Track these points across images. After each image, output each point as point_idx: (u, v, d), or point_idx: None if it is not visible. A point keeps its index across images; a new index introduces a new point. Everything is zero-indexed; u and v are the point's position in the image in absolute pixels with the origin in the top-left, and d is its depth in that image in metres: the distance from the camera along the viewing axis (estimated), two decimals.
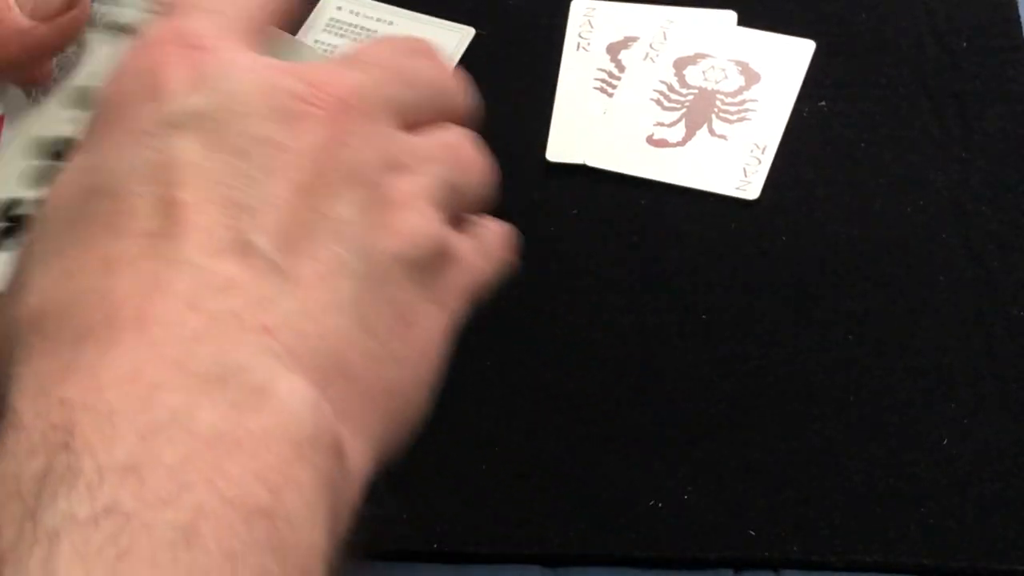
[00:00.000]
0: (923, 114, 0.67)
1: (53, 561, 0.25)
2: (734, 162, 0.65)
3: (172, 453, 0.27)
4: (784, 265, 0.62)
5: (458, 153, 0.37)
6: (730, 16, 0.71)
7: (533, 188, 0.65)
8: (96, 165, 0.31)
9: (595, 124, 0.67)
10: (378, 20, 0.70)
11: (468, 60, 0.69)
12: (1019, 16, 0.70)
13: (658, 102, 0.67)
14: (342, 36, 0.70)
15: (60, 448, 0.27)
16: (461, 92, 0.39)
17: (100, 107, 0.33)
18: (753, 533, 0.54)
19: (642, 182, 0.65)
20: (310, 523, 0.28)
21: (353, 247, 0.32)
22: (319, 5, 0.71)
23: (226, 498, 0.27)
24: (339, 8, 0.71)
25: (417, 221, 0.33)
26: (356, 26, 0.70)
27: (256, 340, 0.29)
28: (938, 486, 0.55)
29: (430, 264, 0.34)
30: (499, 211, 0.64)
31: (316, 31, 0.70)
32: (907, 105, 0.67)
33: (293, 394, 0.29)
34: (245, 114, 0.32)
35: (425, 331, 0.34)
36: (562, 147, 0.66)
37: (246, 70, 0.32)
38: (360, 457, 0.31)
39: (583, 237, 0.63)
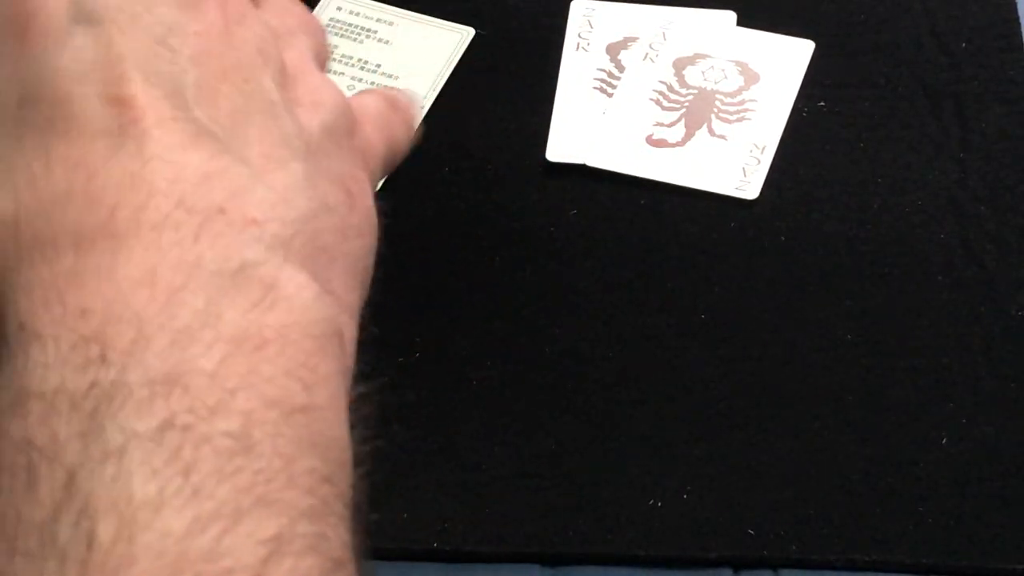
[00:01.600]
0: (922, 114, 0.67)
1: (125, 479, 0.26)
2: (733, 162, 0.65)
3: (208, 359, 0.27)
4: (783, 265, 0.62)
5: (300, 16, 0.37)
6: (729, 16, 0.71)
7: (533, 188, 0.65)
8: (17, 73, 0.30)
9: (595, 124, 0.67)
10: (378, 20, 0.70)
11: (468, 60, 0.69)
12: (1019, 16, 0.70)
13: (657, 102, 0.68)
14: (342, 36, 0.70)
15: (98, 361, 0.27)
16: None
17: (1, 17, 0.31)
18: (752, 532, 0.54)
19: (642, 182, 0.65)
20: (338, 416, 0.29)
21: (288, 124, 0.32)
22: (319, 5, 0.71)
23: (268, 400, 0.27)
24: (339, 8, 0.71)
25: (326, 90, 0.34)
26: (356, 26, 0.70)
27: (249, 233, 0.29)
28: (937, 486, 0.55)
29: (346, 129, 0.35)
30: (499, 211, 0.64)
31: None
32: (906, 105, 0.67)
33: (301, 289, 0.29)
34: (151, 3, 0.31)
35: (363, 196, 0.35)
36: (562, 147, 0.66)
37: None
38: (351, 334, 0.32)
39: (583, 237, 0.63)
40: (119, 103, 0.30)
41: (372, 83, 0.68)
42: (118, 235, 0.28)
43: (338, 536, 0.28)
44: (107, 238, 0.28)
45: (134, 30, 0.31)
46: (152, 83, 0.30)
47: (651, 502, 0.55)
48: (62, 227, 0.29)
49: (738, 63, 0.69)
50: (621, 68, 0.69)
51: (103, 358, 0.27)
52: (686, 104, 0.67)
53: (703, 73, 0.69)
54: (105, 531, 0.25)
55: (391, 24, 0.70)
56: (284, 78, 0.33)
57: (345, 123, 0.35)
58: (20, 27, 0.31)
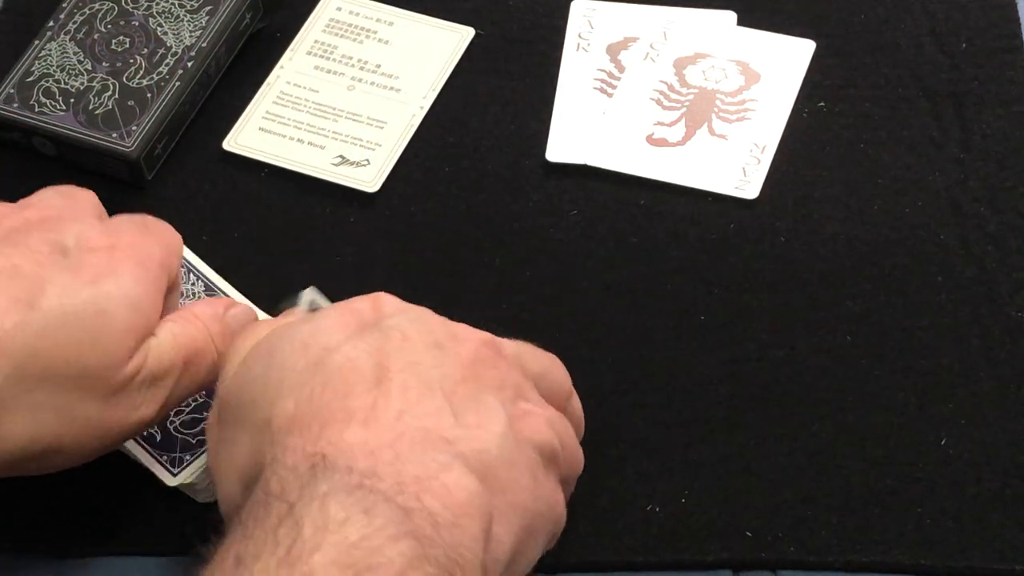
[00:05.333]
0: (922, 115, 0.67)
1: (325, 507, 0.41)
2: (734, 162, 0.65)
3: (393, 467, 0.43)
4: (783, 265, 0.62)
5: (562, 424, 0.50)
6: (730, 16, 0.71)
7: (533, 188, 0.65)
8: (331, 341, 0.47)
9: (595, 124, 0.67)
10: (378, 20, 0.70)
11: (468, 60, 0.69)
12: (1019, 16, 0.70)
13: (658, 102, 0.68)
14: (342, 36, 0.70)
15: (319, 458, 0.42)
16: (569, 390, 0.53)
17: (334, 317, 0.49)
18: (751, 534, 0.54)
19: (642, 182, 0.65)
20: None
21: (501, 419, 0.46)
22: (319, 5, 0.71)
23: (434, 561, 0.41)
24: (339, 8, 0.71)
25: (543, 424, 0.48)
26: (356, 26, 0.70)
27: (441, 444, 0.44)
28: (937, 486, 0.56)
29: (550, 454, 0.48)
30: (499, 211, 0.64)
31: (316, 31, 0.70)
32: (906, 106, 0.67)
33: (471, 482, 0.43)
34: (425, 331, 0.48)
35: (549, 490, 0.48)
36: (562, 147, 0.66)
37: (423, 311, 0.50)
38: (499, 543, 0.44)
39: (583, 237, 0.63)
40: (383, 368, 0.46)
41: (372, 83, 0.68)
42: (350, 422, 0.44)
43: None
44: (342, 423, 0.44)
45: (414, 334, 0.47)
46: (408, 363, 0.46)
47: (649, 507, 0.55)
48: (318, 419, 0.44)
49: (739, 63, 0.69)
50: (621, 68, 0.69)
51: (323, 457, 0.42)
52: (686, 104, 0.67)
53: (703, 73, 0.69)
54: (307, 530, 0.40)
55: (391, 24, 0.70)
56: (515, 406, 0.48)
57: (549, 451, 0.48)
58: (347, 317, 0.49)
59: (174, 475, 0.54)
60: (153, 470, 0.54)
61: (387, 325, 0.48)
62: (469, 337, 0.49)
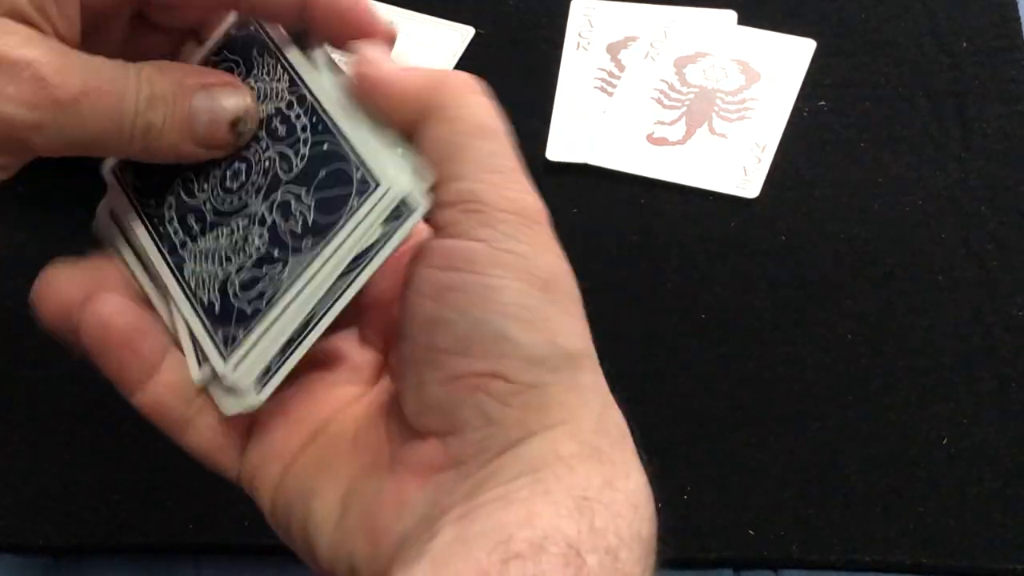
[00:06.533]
0: (922, 114, 0.67)
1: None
2: (734, 161, 0.65)
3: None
4: (784, 264, 0.62)
5: None
6: (730, 15, 0.71)
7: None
8: None
9: (595, 123, 0.67)
10: None
11: (468, 60, 0.69)
12: (1019, 16, 0.70)
13: (658, 101, 0.68)
14: None
15: None
16: None
17: None
18: (752, 533, 0.54)
19: (642, 180, 0.65)
20: None
21: None
22: None
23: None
24: None
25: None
26: None
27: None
28: (938, 486, 0.56)
29: None
30: None
31: None
32: (907, 105, 0.67)
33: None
34: None
35: None
36: (562, 146, 0.66)
37: None
38: None
39: (583, 236, 0.63)
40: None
41: None
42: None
43: None
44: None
45: None
46: None
47: None
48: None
49: (739, 62, 0.69)
50: (621, 67, 0.69)
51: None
52: (687, 103, 0.67)
53: (704, 72, 0.69)
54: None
55: (391, 24, 0.70)
56: None
57: None
58: None
59: (225, 361, 0.38)
60: (189, 357, 0.40)
61: None
62: None
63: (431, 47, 0.69)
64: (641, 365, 0.59)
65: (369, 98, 0.39)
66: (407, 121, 0.38)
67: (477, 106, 0.39)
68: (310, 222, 0.38)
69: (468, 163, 0.37)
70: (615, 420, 0.39)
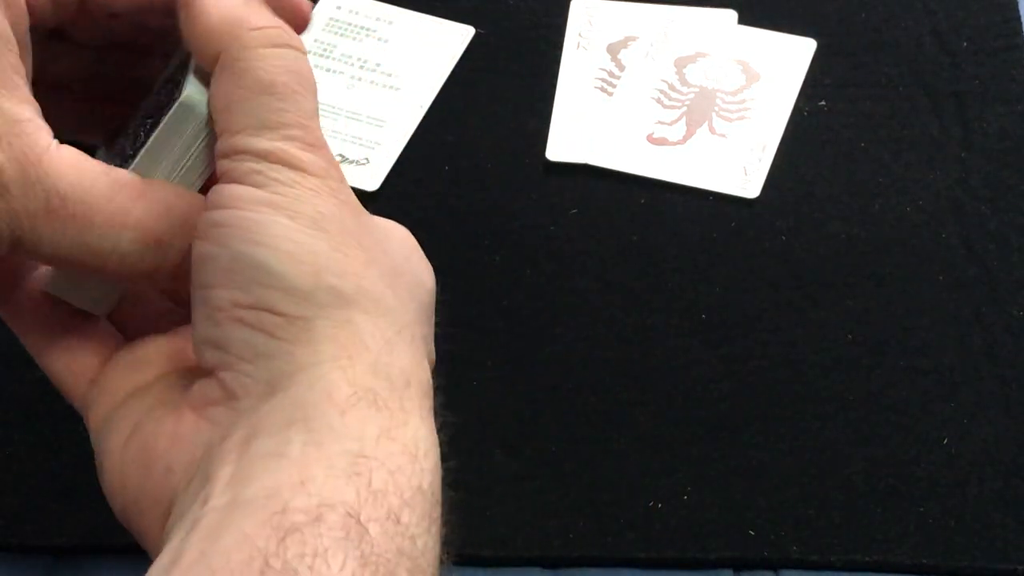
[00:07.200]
0: (923, 114, 0.67)
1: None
2: (734, 161, 0.65)
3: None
4: (784, 264, 0.62)
5: None
6: (730, 15, 0.71)
7: (533, 188, 0.65)
8: None
9: (595, 123, 0.67)
10: (378, 19, 0.70)
11: (468, 60, 0.69)
12: (1019, 16, 0.70)
13: (658, 101, 0.67)
14: (341, 35, 0.70)
15: None
16: None
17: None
18: (752, 533, 0.54)
19: (642, 181, 0.65)
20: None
21: None
22: (319, 4, 0.71)
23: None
24: (339, 8, 0.71)
25: None
26: (356, 25, 0.70)
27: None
28: (938, 486, 0.55)
29: None
30: (499, 211, 0.64)
31: (316, 30, 0.70)
32: (907, 105, 0.67)
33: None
34: None
35: None
36: (562, 146, 0.66)
37: None
38: None
39: (583, 236, 0.63)
40: None
41: (371, 82, 0.68)
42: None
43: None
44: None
45: None
46: None
47: (651, 503, 0.55)
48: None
49: (739, 62, 0.69)
50: (621, 67, 0.69)
51: None
52: (687, 103, 0.67)
53: (704, 71, 0.69)
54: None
55: (391, 23, 0.70)
56: None
57: None
58: None
59: None
60: None
61: None
62: None
63: (431, 46, 0.69)
64: (642, 364, 0.59)
65: (180, 20, 0.39)
66: (209, 54, 0.39)
67: (271, 59, 0.38)
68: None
69: (247, 117, 0.38)
70: (400, 366, 0.38)
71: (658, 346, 0.60)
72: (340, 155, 0.65)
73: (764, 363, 0.59)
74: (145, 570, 0.55)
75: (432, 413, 0.39)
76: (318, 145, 0.39)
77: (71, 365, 0.42)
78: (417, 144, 0.66)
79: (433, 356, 0.42)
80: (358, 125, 0.66)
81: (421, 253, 0.45)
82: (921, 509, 0.55)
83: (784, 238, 0.63)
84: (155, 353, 0.42)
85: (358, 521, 0.34)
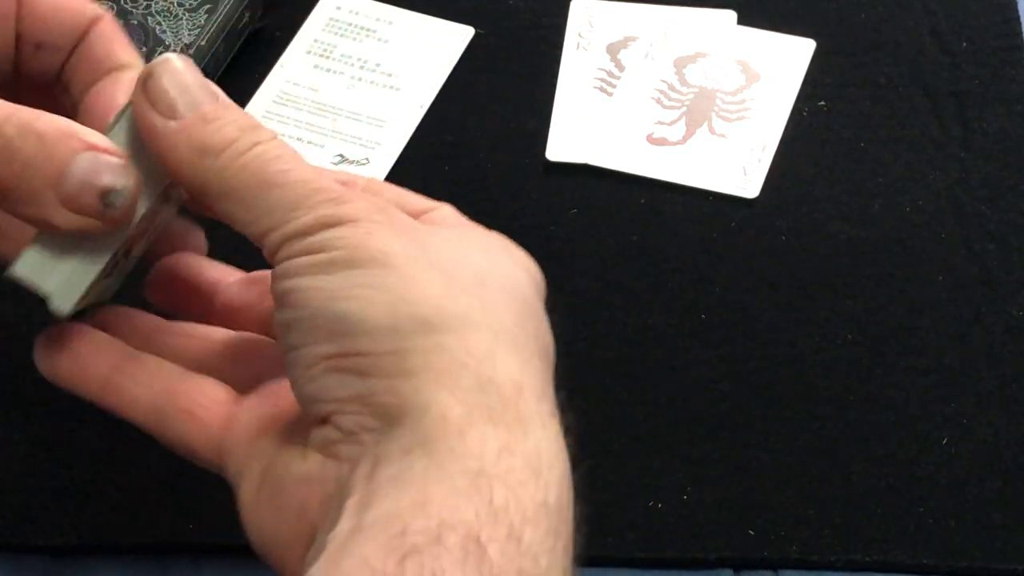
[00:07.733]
0: (922, 114, 0.67)
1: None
2: (734, 161, 0.65)
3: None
4: (784, 264, 0.62)
5: None
6: (730, 15, 0.71)
7: (533, 188, 0.65)
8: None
9: (595, 123, 0.67)
10: (378, 20, 0.70)
11: (468, 60, 0.69)
12: (1019, 16, 0.70)
13: (658, 101, 0.67)
14: (341, 35, 0.70)
15: None
16: None
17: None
18: (752, 533, 0.54)
19: (642, 181, 0.65)
20: None
21: None
22: (319, 4, 0.71)
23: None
24: (339, 8, 0.71)
25: None
26: (356, 26, 0.70)
27: None
28: (938, 486, 0.55)
29: None
30: (499, 211, 0.64)
31: (315, 30, 0.70)
32: (907, 105, 0.67)
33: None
34: None
35: None
36: (562, 146, 0.66)
37: None
38: None
39: (583, 236, 0.63)
40: None
41: (371, 82, 0.68)
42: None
43: None
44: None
45: None
46: None
47: (651, 503, 0.55)
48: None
49: (739, 62, 0.69)
50: (621, 67, 0.69)
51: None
52: (687, 103, 0.67)
53: (704, 72, 0.69)
54: None
55: (391, 23, 0.70)
56: None
57: None
58: None
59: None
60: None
61: None
62: None
63: (431, 46, 0.69)
64: (642, 364, 0.59)
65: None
66: (196, 186, 0.40)
67: (252, 162, 0.40)
68: None
69: (271, 215, 0.40)
70: (506, 374, 0.38)
71: (658, 346, 0.60)
72: (340, 155, 0.65)
73: (764, 363, 0.59)
74: (145, 570, 0.55)
75: (554, 417, 0.39)
76: (343, 196, 0.40)
77: (196, 431, 0.43)
78: (417, 144, 0.66)
79: (551, 349, 0.42)
80: (358, 125, 0.66)
81: (506, 244, 0.45)
82: (921, 509, 0.55)
83: (784, 238, 0.63)
84: (272, 402, 0.43)
85: (477, 542, 0.34)
